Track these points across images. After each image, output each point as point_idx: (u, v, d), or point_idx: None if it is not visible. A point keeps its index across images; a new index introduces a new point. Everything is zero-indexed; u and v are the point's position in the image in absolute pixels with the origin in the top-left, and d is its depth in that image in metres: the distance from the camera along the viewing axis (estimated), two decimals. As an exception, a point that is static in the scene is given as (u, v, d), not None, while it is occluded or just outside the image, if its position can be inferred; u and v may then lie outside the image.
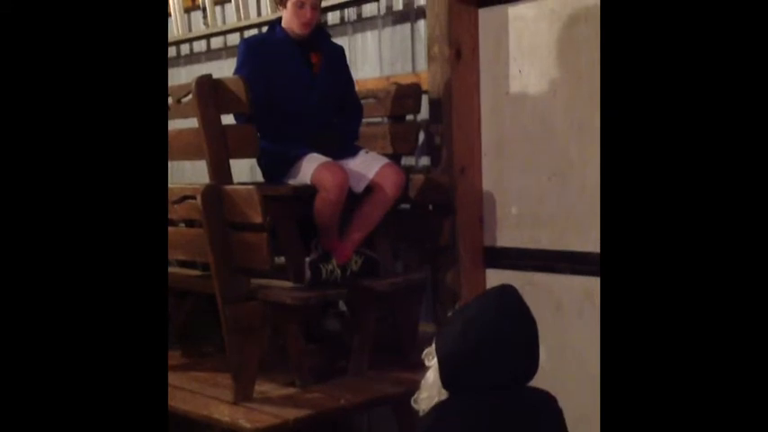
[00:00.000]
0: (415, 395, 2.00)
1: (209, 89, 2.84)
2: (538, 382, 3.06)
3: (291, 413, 2.73)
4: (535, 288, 3.05)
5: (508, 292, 1.96)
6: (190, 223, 3.13)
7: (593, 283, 2.88)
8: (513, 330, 1.90)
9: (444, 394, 1.93)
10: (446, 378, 1.90)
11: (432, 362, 1.95)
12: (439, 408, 1.91)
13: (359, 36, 3.65)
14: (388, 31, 3.53)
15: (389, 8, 3.50)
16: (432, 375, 1.95)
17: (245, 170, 3.64)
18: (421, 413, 1.97)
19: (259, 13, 4.00)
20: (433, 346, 1.96)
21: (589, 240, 2.89)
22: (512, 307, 1.93)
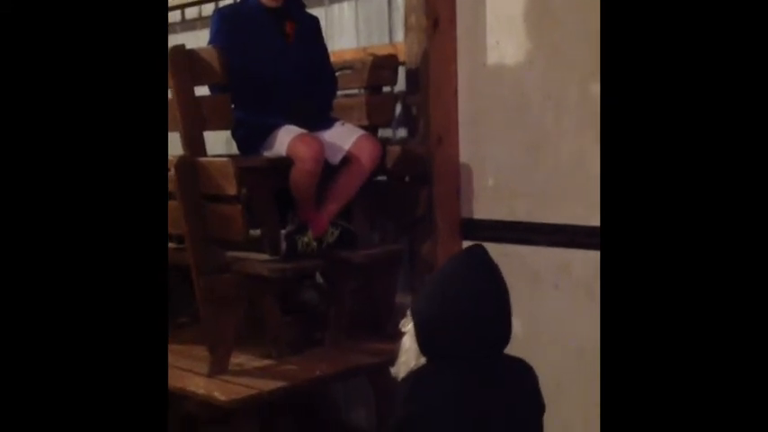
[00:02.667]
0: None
1: (182, 59, 2.81)
2: (514, 351, 3.09)
3: (267, 385, 2.73)
4: (511, 260, 3.05)
5: (476, 253, 1.98)
6: (164, 195, 3.10)
7: (569, 255, 2.89)
8: (483, 291, 1.92)
9: (422, 360, 1.94)
10: (422, 343, 1.92)
11: (408, 327, 1.96)
12: (416, 373, 1.92)
13: (335, 6, 3.61)
14: (364, 1, 3.50)
15: (366, -22, 3.47)
16: (408, 341, 1.96)
17: (221, 142, 3.61)
18: (399, 379, 1.98)
19: (234, -17, 3.95)
20: (409, 311, 1.97)
21: (565, 212, 2.89)
22: (481, 268, 1.95)
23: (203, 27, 4.09)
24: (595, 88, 2.75)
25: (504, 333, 1.95)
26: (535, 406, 1.97)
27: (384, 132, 3.34)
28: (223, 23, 3.00)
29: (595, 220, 2.77)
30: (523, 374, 1.99)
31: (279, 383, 2.75)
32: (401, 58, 3.20)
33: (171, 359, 3.02)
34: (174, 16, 4.40)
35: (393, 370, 2.01)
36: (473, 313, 1.89)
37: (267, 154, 2.95)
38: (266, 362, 2.96)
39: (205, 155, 2.87)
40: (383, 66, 3.19)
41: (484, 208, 3.15)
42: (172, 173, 2.78)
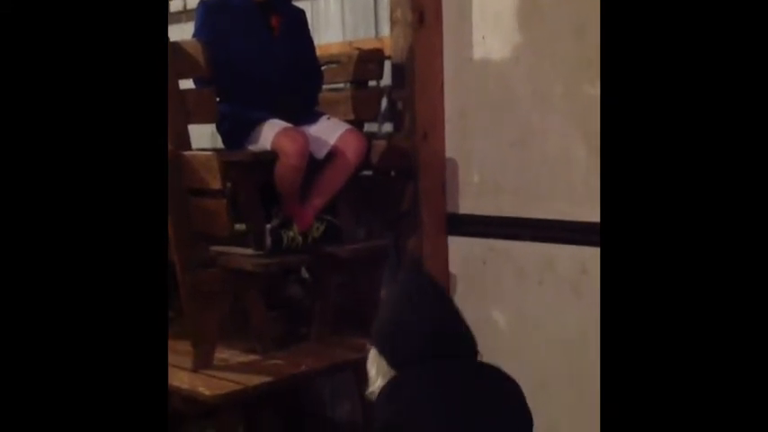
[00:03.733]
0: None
1: (166, 52, 2.79)
2: (499, 346, 3.09)
3: (252, 380, 2.73)
4: (497, 255, 3.06)
5: (415, 268, 2.12)
6: (148, 189, 3.08)
7: (553, 251, 2.89)
8: (430, 294, 1.97)
9: (390, 373, 1.94)
10: (391, 358, 1.92)
11: (370, 353, 1.99)
12: (393, 379, 1.91)
13: (321, 0, 3.59)
14: (350, -6, 3.49)
15: (352, -29, 3.45)
16: (371, 362, 1.97)
17: (205, 136, 3.59)
18: (373, 397, 1.96)
19: (219, -24, 3.91)
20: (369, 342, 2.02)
21: (551, 208, 2.90)
22: (422, 278, 2.06)
23: (188, 20, 4.06)
24: (582, 84, 2.75)
25: (465, 335, 1.96)
26: (522, 420, 1.93)
27: (370, 127, 3.33)
28: (208, 16, 2.98)
29: (580, 216, 2.78)
30: (505, 380, 1.96)
31: (264, 378, 2.75)
32: (387, 52, 3.19)
33: (155, 354, 3.03)
34: (158, 9, 4.37)
35: (367, 393, 2.00)
36: (428, 314, 1.92)
37: (252, 148, 2.94)
38: (251, 357, 2.95)
39: (190, 149, 2.85)
40: (369, 60, 3.18)
41: (469, 203, 3.15)
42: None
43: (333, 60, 3.29)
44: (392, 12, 3.15)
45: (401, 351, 1.92)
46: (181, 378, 2.77)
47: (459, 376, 1.89)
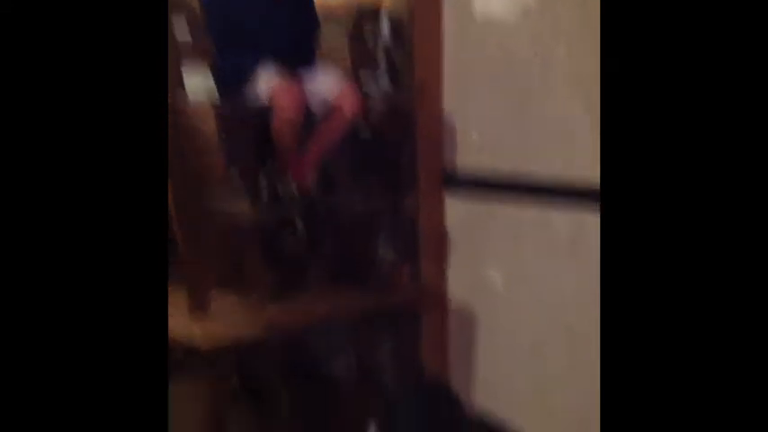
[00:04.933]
0: None
1: None
2: (495, 305, 3.11)
3: (247, 331, 2.74)
4: (493, 215, 3.07)
5: None
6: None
7: (551, 213, 2.90)
8: None
9: None
10: None
11: None
12: None
13: (320, -48, 3.55)
14: (350, -52, 3.44)
15: (353, -76, 3.40)
16: None
17: (200, 87, 3.56)
18: None
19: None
20: None
21: (548, 168, 2.90)
22: None
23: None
24: (583, 46, 2.73)
25: None
26: None
27: (367, 84, 3.31)
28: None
29: (578, 176, 2.78)
30: None
31: (258, 330, 2.76)
32: (386, 7, 3.17)
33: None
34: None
35: None
36: None
37: (248, 100, 2.92)
38: (246, 309, 2.96)
39: (185, 100, 2.83)
40: (368, 16, 3.16)
41: (467, 162, 3.15)
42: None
43: (331, 15, 3.26)
44: (393, -34, 3.12)
45: None
46: (175, 328, 2.78)
47: None
